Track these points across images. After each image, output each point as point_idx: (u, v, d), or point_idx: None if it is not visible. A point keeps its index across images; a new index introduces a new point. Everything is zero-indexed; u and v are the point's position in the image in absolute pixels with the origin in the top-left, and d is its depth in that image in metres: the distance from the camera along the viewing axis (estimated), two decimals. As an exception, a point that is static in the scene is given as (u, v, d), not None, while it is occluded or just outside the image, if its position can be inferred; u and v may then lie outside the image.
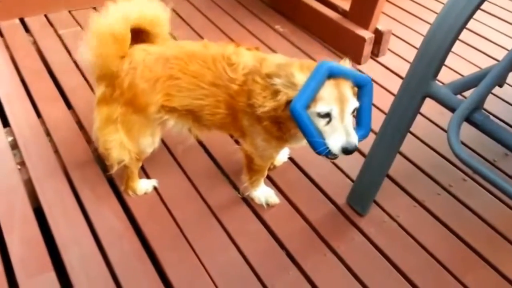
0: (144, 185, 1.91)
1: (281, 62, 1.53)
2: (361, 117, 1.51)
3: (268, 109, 1.47)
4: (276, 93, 1.45)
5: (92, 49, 1.57)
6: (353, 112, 1.45)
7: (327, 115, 1.41)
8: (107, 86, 1.63)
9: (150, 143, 1.77)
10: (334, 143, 1.41)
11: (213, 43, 1.69)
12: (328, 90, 1.41)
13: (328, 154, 1.44)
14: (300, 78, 1.41)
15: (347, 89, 1.44)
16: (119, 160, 1.73)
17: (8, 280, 1.61)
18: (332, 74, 1.42)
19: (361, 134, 1.47)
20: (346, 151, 1.40)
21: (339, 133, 1.40)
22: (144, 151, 1.78)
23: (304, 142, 1.59)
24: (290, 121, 1.49)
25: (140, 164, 1.89)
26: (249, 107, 1.56)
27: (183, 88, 1.61)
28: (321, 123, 1.42)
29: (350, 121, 1.43)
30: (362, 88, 1.49)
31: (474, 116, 1.44)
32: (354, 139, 1.41)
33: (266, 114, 1.51)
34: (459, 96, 1.52)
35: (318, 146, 1.42)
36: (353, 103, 1.44)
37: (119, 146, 1.70)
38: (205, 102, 1.62)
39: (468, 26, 1.47)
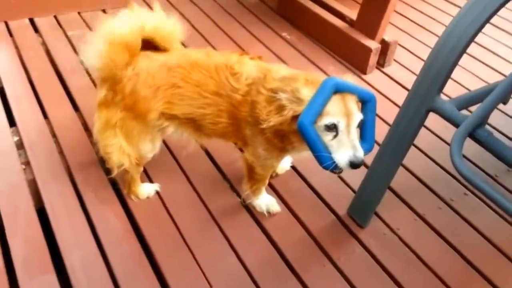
0: (146, 190, 1.92)
1: (285, 75, 1.54)
2: (365, 132, 1.53)
3: (273, 124, 1.48)
4: (281, 108, 1.45)
5: (101, 53, 1.57)
6: (358, 125, 1.47)
7: (334, 129, 1.42)
8: (109, 90, 1.64)
9: (150, 148, 1.77)
10: (341, 157, 1.42)
11: (216, 52, 1.71)
12: (334, 105, 1.42)
13: (334, 169, 1.44)
14: (306, 93, 1.42)
15: (353, 103, 1.45)
16: (119, 164, 1.74)
17: (10, 280, 1.62)
18: (338, 89, 1.43)
19: (365, 148, 1.48)
20: (353, 165, 1.41)
21: (346, 147, 1.41)
22: (144, 156, 1.79)
23: (304, 153, 1.60)
24: (293, 134, 1.50)
25: (141, 169, 1.90)
26: (252, 117, 1.56)
27: (186, 96, 1.62)
28: (327, 137, 1.43)
29: (356, 135, 1.44)
30: (366, 103, 1.51)
31: (478, 133, 1.45)
32: (360, 153, 1.42)
33: (270, 129, 1.51)
34: (463, 111, 1.53)
35: (325, 161, 1.43)
36: (359, 117, 1.45)
37: (119, 151, 1.70)
38: (207, 111, 1.63)
39: (475, 39, 1.48)
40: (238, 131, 1.66)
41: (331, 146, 1.43)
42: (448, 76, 1.52)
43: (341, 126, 1.41)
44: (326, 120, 1.41)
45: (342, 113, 1.42)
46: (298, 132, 1.44)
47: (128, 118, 1.64)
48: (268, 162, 1.73)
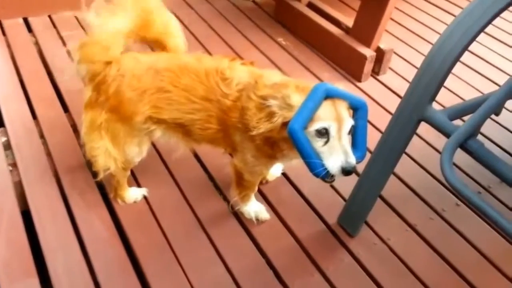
0: (133, 194, 1.89)
1: (277, 82, 1.51)
2: (356, 139, 1.49)
3: (263, 131, 1.45)
4: (271, 114, 1.42)
5: (77, 51, 1.60)
6: (349, 132, 1.44)
7: (325, 134, 1.39)
8: (94, 90, 1.62)
9: (136, 152, 1.74)
10: (333, 163, 1.38)
11: (207, 56, 1.68)
12: (325, 109, 1.40)
13: (325, 177, 1.40)
14: (297, 99, 1.39)
15: (344, 109, 1.43)
16: (105, 168, 1.71)
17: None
18: (329, 95, 1.41)
19: (357, 156, 1.44)
20: (345, 171, 1.37)
21: (337, 153, 1.38)
22: (130, 160, 1.76)
23: (295, 161, 1.58)
24: (283, 141, 1.47)
25: (128, 173, 1.87)
26: (242, 123, 1.53)
27: (174, 101, 1.59)
28: (318, 143, 1.40)
29: (347, 140, 1.42)
30: (357, 110, 1.48)
31: (469, 144, 1.43)
32: (352, 159, 1.39)
33: (260, 136, 1.49)
34: (456, 121, 1.51)
35: (316, 167, 1.39)
36: (350, 122, 1.43)
37: (105, 154, 1.68)
38: (196, 117, 1.60)
39: (469, 48, 1.46)
40: (227, 137, 1.63)
41: (322, 152, 1.40)
42: (440, 85, 1.51)
43: (333, 131, 1.38)
44: (317, 125, 1.38)
45: (333, 117, 1.39)
46: (288, 139, 1.41)
47: (113, 120, 1.62)
48: (257, 168, 1.70)
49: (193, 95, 1.58)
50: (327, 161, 1.39)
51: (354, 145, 1.49)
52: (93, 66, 1.59)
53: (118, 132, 1.65)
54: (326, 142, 1.40)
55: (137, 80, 1.58)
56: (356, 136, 1.50)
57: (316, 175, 1.41)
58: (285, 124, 1.41)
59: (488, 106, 1.49)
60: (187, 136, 1.70)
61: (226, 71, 1.57)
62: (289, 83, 1.48)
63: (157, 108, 1.60)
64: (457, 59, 1.46)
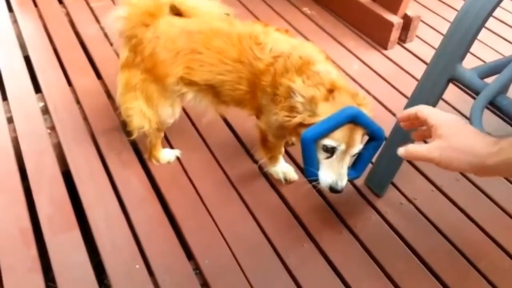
0: (167, 155, 1.97)
1: (320, 71, 1.51)
2: (359, 162, 1.58)
3: (280, 119, 1.51)
4: (293, 109, 1.47)
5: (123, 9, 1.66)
6: (354, 155, 1.52)
7: (332, 152, 1.45)
8: (130, 51, 1.68)
9: (169, 113, 1.80)
10: (324, 178, 1.49)
11: (238, 21, 1.71)
12: (341, 131, 1.43)
13: (315, 181, 1.51)
14: (322, 110, 1.43)
15: (359, 135, 1.47)
16: (139, 128, 1.78)
17: (36, 237, 1.69)
18: (355, 121, 1.44)
19: (351, 175, 1.55)
20: (332, 190, 1.49)
21: (333, 171, 1.47)
22: (164, 121, 1.82)
23: None
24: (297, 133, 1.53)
25: (162, 135, 1.94)
26: (271, 87, 1.57)
27: (205, 63, 1.64)
28: (322, 155, 1.47)
29: (347, 163, 1.50)
30: (373, 139, 1.54)
31: (498, 100, 1.45)
32: (343, 182, 1.49)
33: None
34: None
35: (310, 175, 1.50)
36: (358, 148, 1.49)
37: (139, 114, 1.74)
38: (227, 78, 1.64)
39: (494, 14, 1.46)
40: (254, 99, 1.68)
41: (322, 164, 1.49)
42: (470, 44, 1.52)
43: (338, 152, 1.45)
44: (326, 141, 1.44)
45: (345, 141, 1.44)
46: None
47: (147, 80, 1.67)
48: (279, 132, 1.73)
49: (225, 57, 1.62)
50: (321, 174, 1.49)
51: (355, 165, 1.58)
52: (134, 27, 1.64)
53: (152, 93, 1.71)
54: (329, 157, 1.46)
55: (171, 42, 1.63)
56: (360, 159, 1.57)
57: (308, 180, 1.52)
58: (302, 125, 1.46)
59: (518, 64, 1.50)
60: (217, 97, 1.75)
61: (260, 36, 1.61)
62: (324, 81, 1.48)
63: (189, 69, 1.65)
64: (488, 16, 1.47)
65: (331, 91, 1.46)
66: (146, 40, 1.63)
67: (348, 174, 1.52)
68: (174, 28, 1.65)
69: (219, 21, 1.72)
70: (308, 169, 1.49)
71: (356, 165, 1.58)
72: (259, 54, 1.58)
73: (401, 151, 1.14)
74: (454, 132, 1.04)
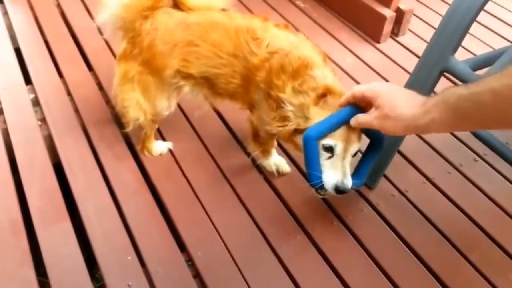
0: (159, 147, 1.96)
1: (317, 76, 1.48)
2: (361, 168, 1.53)
3: (275, 133, 1.50)
4: (285, 118, 1.46)
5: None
6: (354, 154, 1.47)
7: (331, 150, 1.41)
8: (128, 43, 1.67)
9: (166, 106, 1.79)
10: (329, 179, 1.41)
11: (239, 14, 1.70)
12: (339, 130, 1.40)
13: (320, 189, 1.45)
14: (314, 113, 1.41)
15: (356, 133, 1.43)
16: (135, 119, 1.77)
17: (27, 228, 1.68)
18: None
19: (355, 182, 1.47)
20: (337, 190, 1.41)
21: (336, 171, 1.41)
22: (159, 113, 1.81)
23: None
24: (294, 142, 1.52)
25: (156, 126, 1.93)
26: (265, 84, 1.56)
27: (201, 55, 1.62)
28: (323, 156, 1.43)
29: (349, 162, 1.45)
30: (375, 142, 1.51)
31: (491, 92, 1.45)
32: (348, 181, 1.42)
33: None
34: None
35: (314, 179, 1.42)
36: (357, 146, 1.45)
37: (136, 105, 1.73)
38: (221, 71, 1.63)
39: (486, 8, 1.46)
40: (247, 93, 1.67)
41: (324, 165, 1.43)
42: (463, 36, 1.52)
43: (338, 150, 1.41)
44: (325, 141, 1.40)
45: (343, 138, 1.40)
46: (299, 134, 1.45)
47: (145, 72, 1.66)
48: (271, 128, 1.72)
49: (220, 50, 1.61)
50: (325, 175, 1.42)
51: (357, 172, 1.52)
52: (132, 19, 1.63)
53: (149, 85, 1.70)
54: (330, 158, 1.42)
55: (169, 34, 1.62)
56: (362, 165, 1.53)
57: (312, 186, 1.45)
58: (297, 131, 1.45)
59: (509, 56, 1.51)
60: (212, 89, 1.74)
61: (258, 31, 1.59)
62: (322, 87, 1.45)
63: (185, 61, 1.64)
64: (479, 9, 1.47)
65: (323, 95, 1.44)
66: (145, 32, 1.62)
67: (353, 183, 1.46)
68: (173, 20, 1.64)
69: (219, 13, 1.70)
70: (311, 173, 1.43)
71: (358, 172, 1.52)
72: (255, 49, 1.57)
73: (352, 120, 1.32)
74: (387, 101, 1.17)
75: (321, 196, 1.57)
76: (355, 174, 1.51)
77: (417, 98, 1.12)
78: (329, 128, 1.39)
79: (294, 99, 1.45)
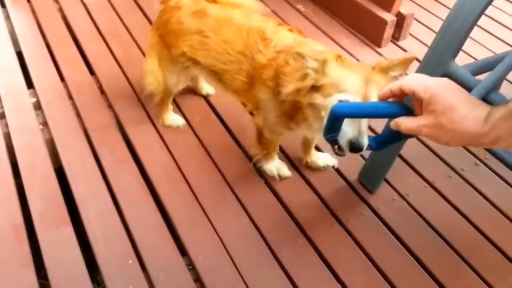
0: (171, 118, 2.09)
1: (321, 51, 1.51)
2: (384, 135, 1.25)
3: (291, 91, 1.47)
4: (304, 76, 1.43)
5: None
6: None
7: None
8: (158, 15, 1.86)
9: (174, 82, 1.92)
10: (343, 134, 1.33)
11: (257, 16, 1.75)
12: (357, 84, 1.36)
13: (335, 144, 1.37)
14: (333, 69, 1.39)
15: (375, 88, 1.36)
16: (149, 85, 1.94)
17: (28, 232, 1.68)
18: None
19: (371, 144, 1.27)
20: (351, 146, 1.33)
21: (352, 127, 1.33)
22: (169, 87, 1.95)
23: (315, 132, 1.62)
24: (308, 108, 1.48)
25: (170, 99, 2.05)
26: (272, 82, 1.57)
27: (211, 48, 1.71)
28: None
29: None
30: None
31: (491, 97, 1.46)
32: (363, 139, 1.33)
33: (288, 97, 1.50)
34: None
35: (329, 132, 1.24)
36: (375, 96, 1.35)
37: (152, 72, 1.91)
38: (229, 68, 1.69)
39: (487, 13, 1.47)
40: (250, 91, 1.69)
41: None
42: (463, 41, 1.53)
43: None
44: (341, 96, 1.35)
45: (360, 93, 1.35)
46: (313, 107, 1.45)
47: (160, 44, 1.85)
48: (277, 128, 1.73)
49: (230, 48, 1.67)
50: (341, 131, 1.30)
51: (377, 137, 1.29)
52: None
53: (163, 56, 1.87)
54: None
55: (186, 17, 1.74)
56: (385, 134, 1.24)
57: (327, 140, 1.30)
58: (313, 89, 1.42)
59: (509, 61, 1.51)
60: (219, 82, 1.81)
61: (268, 32, 1.62)
62: (333, 53, 1.49)
63: (192, 47, 1.75)
64: (480, 14, 1.48)
65: (339, 56, 1.46)
66: (168, 7, 1.79)
67: (368, 143, 1.30)
68: (195, 5, 1.75)
69: (238, 12, 1.74)
70: (327, 127, 1.22)
71: (379, 139, 1.26)
72: (263, 49, 1.60)
73: (392, 123, 1.04)
74: (445, 109, 0.93)
75: (340, 156, 1.45)
76: (375, 138, 1.29)
77: (480, 108, 0.92)
78: (361, 113, 1.19)
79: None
